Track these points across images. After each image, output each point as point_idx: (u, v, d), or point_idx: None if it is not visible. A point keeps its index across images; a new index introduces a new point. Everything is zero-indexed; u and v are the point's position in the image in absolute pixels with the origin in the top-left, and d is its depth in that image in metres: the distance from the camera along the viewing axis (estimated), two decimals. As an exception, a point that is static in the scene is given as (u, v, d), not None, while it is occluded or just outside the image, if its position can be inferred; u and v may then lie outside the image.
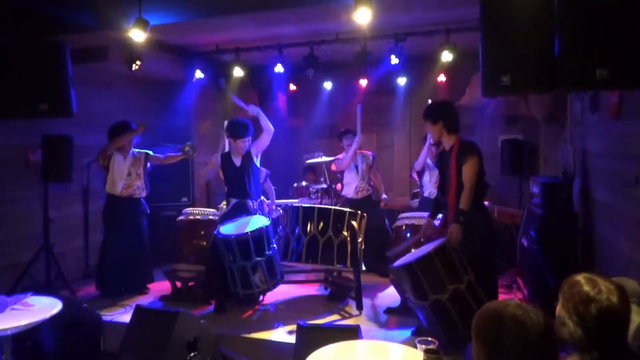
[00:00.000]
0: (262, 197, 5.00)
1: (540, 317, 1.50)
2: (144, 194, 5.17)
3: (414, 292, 3.56)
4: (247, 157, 4.85)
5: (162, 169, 5.59)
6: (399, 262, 3.76)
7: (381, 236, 5.56)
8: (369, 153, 5.93)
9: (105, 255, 5.12)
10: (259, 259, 4.41)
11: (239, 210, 4.77)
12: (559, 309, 1.74)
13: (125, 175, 5.00)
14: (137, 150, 5.17)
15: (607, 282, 1.68)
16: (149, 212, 5.29)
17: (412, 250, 4.21)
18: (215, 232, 4.52)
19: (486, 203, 4.17)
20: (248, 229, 4.41)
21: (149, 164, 5.21)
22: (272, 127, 4.88)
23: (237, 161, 4.84)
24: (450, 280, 3.47)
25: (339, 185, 6.16)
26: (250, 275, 4.41)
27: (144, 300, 4.94)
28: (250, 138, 4.81)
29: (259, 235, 4.41)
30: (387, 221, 5.81)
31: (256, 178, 4.88)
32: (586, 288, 1.66)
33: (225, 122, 4.98)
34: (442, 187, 3.99)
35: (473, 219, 3.65)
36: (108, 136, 5.01)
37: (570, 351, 1.70)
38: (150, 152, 5.23)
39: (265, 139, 4.89)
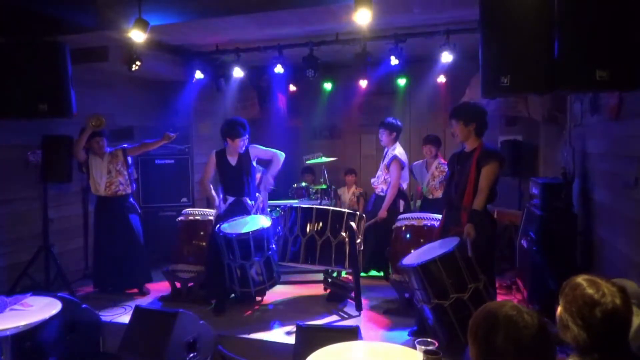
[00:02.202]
0: (257, 194, 4.98)
1: (535, 318, 1.50)
2: (129, 190, 5.17)
3: (432, 291, 3.49)
4: (245, 156, 4.83)
5: (162, 170, 5.58)
6: (409, 260, 3.73)
7: (378, 237, 5.08)
8: (393, 155, 5.17)
9: (98, 255, 5.15)
10: (258, 259, 4.44)
11: (237, 208, 4.76)
12: (560, 311, 1.72)
13: (106, 174, 5.02)
14: (114, 148, 5.17)
15: (609, 285, 1.67)
16: (139, 209, 5.29)
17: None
18: (216, 229, 4.52)
19: None
20: (250, 229, 4.41)
21: (129, 159, 5.22)
22: (277, 154, 4.93)
23: (233, 160, 4.81)
24: (470, 279, 3.46)
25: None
26: (248, 273, 4.45)
27: (143, 300, 4.94)
28: (247, 136, 4.79)
29: (260, 236, 4.44)
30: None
31: (253, 177, 4.88)
32: (589, 291, 1.64)
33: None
34: (456, 187, 3.93)
35: (482, 221, 3.65)
36: None
37: (569, 352, 1.70)
38: (126, 145, 5.24)
39: (277, 166, 4.95)
